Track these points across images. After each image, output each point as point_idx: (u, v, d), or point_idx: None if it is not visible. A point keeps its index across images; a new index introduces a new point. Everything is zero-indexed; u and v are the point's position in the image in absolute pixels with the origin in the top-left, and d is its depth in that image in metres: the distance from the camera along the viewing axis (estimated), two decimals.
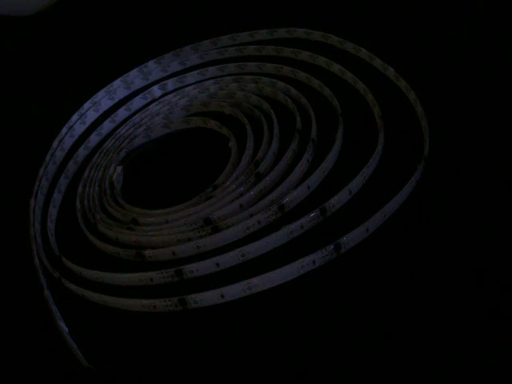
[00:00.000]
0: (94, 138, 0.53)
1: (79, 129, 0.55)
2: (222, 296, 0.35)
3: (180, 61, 0.58)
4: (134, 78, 0.58)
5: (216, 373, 0.33)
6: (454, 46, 0.49)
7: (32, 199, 0.47)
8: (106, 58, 0.64)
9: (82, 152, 0.52)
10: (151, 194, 0.46)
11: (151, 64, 0.58)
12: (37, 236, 0.44)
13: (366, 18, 0.56)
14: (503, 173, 0.38)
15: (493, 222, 0.35)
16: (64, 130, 0.54)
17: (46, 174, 0.50)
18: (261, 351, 0.33)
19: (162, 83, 0.56)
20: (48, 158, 0.51)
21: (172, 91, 0.55)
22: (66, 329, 0.37)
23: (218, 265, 0.37)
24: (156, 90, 0.56)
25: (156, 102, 0.54)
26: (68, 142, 0.54)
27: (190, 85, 0.55)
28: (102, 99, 0.57)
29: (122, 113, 0.55)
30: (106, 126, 0.54)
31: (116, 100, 0.57)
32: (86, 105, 0.56)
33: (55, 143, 0.53)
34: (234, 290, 0.34)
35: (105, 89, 0.57)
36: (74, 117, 0.55)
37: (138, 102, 0.55)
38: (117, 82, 0.58)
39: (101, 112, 0.56)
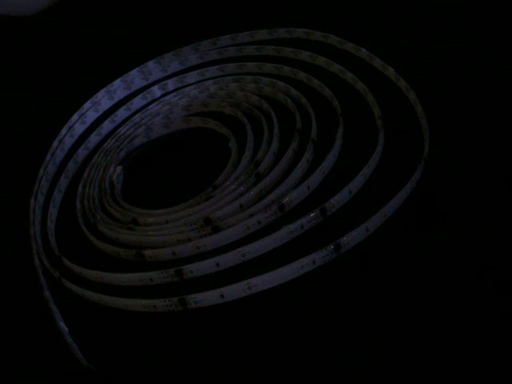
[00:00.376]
0: (93, 138, 0.53)
1: (79, 129, 0.55)
2: (222, 296, 0.35)
3: (180, 61, 0.58)
4: (134, 77, 0.58)
5: (216, 373, 0.33)
6: (454, 45, 0.49)
7: (32, 199, 0.47)
8: (106, 58, 0.64)
9: (81, 152, 0.52)
10: (151, 194, 0.46)
11: (151, 64, 0.58)
12: (37, 236, 0.44)
13: (366, 18, 0.56)
14: (503, 173, 0.38)
15: (493, 221, 0.35)
16: (64, 130, 0.54)
17: (45, 174, 0.50)
18: (261, 351, 0.33)
19: (162, 83, 0.56)
20: (48, 157, 0.51)
21: (172, 91, 0.55)
22: (66, 329, 0.37)
23: (218, 265, 0.37)
24: (156, 90, 0.56)
25: (156, 102, 0.54)
26: (68, 142, 0.54)
27: (190, 85, 0.55)
28: (102, 99, 0.57)
29: (121, 113, 0.55)
30: (106, 126, 0.54)
31: (116, 100, 0.57)
32: (86, 105, 0.56)
33: (55, 143, 0.53)
34: (234, 290, 0.34)
35: (105, 89, 0.57)
36: (74, 117, 0.55)
37: (137, 102, 0.55)
38: (117, 82, 0.58)
39: (101, 112, 0.56)
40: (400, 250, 0.35)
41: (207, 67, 0.56)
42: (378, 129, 0.43)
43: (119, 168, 0.48)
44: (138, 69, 0.58)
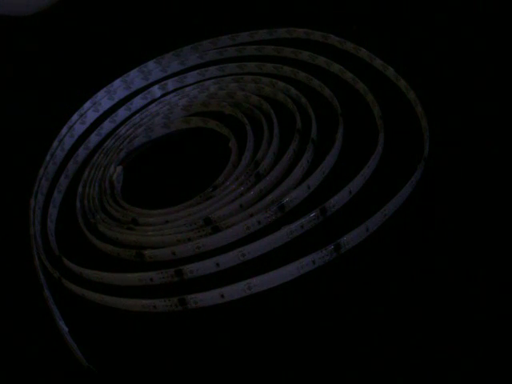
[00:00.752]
0: (93, 138, 0.53)
1: (79, 129, 0.55)
2: (222, 296, 0.35)
3: (180, 61, 0.58)
4: (134, 77, 0.58)
5: (216, 373, 0.33)
6: (454, 45, 0.49)
7: (32, 199, 0.47)
8: (106, 58, 0.64)
9: (81, 152, 0.52)
10: (151, 194, 0.46)
11: (151, 64, 0.58)
12: (37, 236, 0.44)
13: (366, 18, 0.56)
14: (503, 173, 0.38)
15: (493, 221, 0.35)
16: (64, 129, 0.54)
17: (45, 174, 0.50)
18: (261, 351, 0.33)
19: (162, 83, 0.56)
20: (48, 157, 0.51)
21: (172, 91, 0.55)
22: (66, 329, 0.37)
23: (218, 265, 0.37)
24: (156, 90, 0.56)
25: (156, 102, 0.54)
26: (68, 142, 0.54)
27: (190, 85, 0.55)
28: (102, 99, 0.57)
29: (121, 113, 0.55)
30: (106, 126, 0.54)
31: (116, 100, 0.57)
32: (86, 105, 0.56)
33: (55, 143, 0.53)
34: (234, 290, 0.34)
35: (105, 89, 0.57)
36: (74, 117, 0.55)
37: (137, 102, 0.55)
38: (117, 82, 0.58)
39: (101, 112, 0.56)
40: (400, 250, 0.35)
41: (207, 67, 0.56)
42: (378, 129, 0.43)
43: (119, 168, 0.48)
44: (137, 69, 0.58)
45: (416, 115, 0.44)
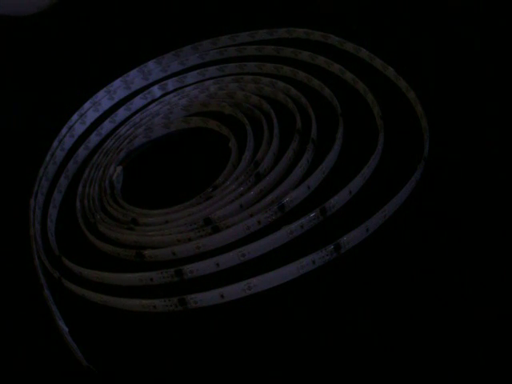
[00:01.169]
0: (93, 138, 0.53)
1: (79, 129, 0.55)
2: (222, 296, 0.35)
3: (180, 61, 0.58)
4: (134, 77, 0.58)
5: (216, 373, 0.33)
6: (454, 45, 0.49)
7: (32, 199, 0.47)
8: (106, 58, 0.64)
9: (81, 152, 0.52)
10: (151, 194, 0.46)
11: (151, 64, 0.58)
12: (37, 236, 0.44)
13: (366, 18, 0.56)
14: (503, 173, 0.38)
15: (493, 221, 0.35)
16: (64, 130, 0.54)
17: (45, 174, 0.50)
18: (261, 351, 0.33)
19: (162, 83, 0.56)
20: (48, 158, 0.51)
21: (172, 91, 0.55)
22: (66, 329, 0.37)
23: (218, 265, 0.37)
24: (156, 90, 0.56)
25: (156, 102, 0.54)
26: (68, 142, 0.54)
27: (190, 85, 0.55)
28: (102, 99, 0.57)
29: (121, 113, 0.55)
30: (106, 126, 0.54)
31: (116, 100, 0.57)
32: (86, 105, 0.56)
33: (55, 143, 0.53)
34: (234, 290, 0.34)
35: (105, 89, 0.57)
36: (74, 117, 0.55)
37: (137, 102, 0.55)
38: (117, 82, 0.58)
39: (101, 112, 0.56)
40: (400, 250, 0.35)
41: (207, 67, 0.56)
42: (378, 129, 0.43)
43: (119, 168, 0.48)
44: (137, 69, 0.58)
45: (416, 115, 0.44)
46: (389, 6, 0.56)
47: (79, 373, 0.34)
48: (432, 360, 0.30)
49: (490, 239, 0.34)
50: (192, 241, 0.39)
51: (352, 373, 0.31)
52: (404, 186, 0.37)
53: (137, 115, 0.54)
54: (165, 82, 0.56)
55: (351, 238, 0.35)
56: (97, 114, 0.56)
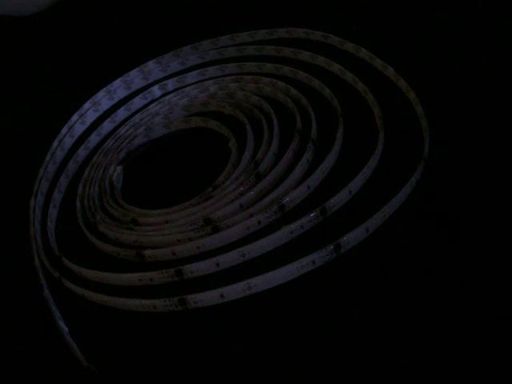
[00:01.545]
0: (93, 138, 0.53)
1: (79, 129, 0.55)
2: (222, 296, 0.35)
3: (180, 61, 0.58)
4: (134, 77, 0.58)
5: (216, 373, 0.33)
6: (454, 45, 0.49)
7: (32, 199, 0.47)
8: (106, 58, 0.64)
9: (81, 152, 0.52)
10: (151, 194, 0.46)
11: (151, 64, 0.58)
12: (37, 236, 0.44)
13: (366, 18, 0.56)
14: (503, 172, 0.38)
15: (493, 221, 0.35)
16: (64, 129, 0.54)
17: (45, 174, 0.50)
18: (261, 351, 0.33)
19: (162, 83, 0.56)
20: (48, 157, 0.51)
21: (172, 91, 0.55)
22: (66, 329, 0.37)
23: (218, 265, 0.37)
24: (156, 90, 0.56)
25: (156, 102, 0.54)
26: (68, 142, 0.54)
27: (190, 85, 0.55)
28: (102, 99, 0.57)
29: (121, 113, 0.55)
30: (106, 126, 0.54)
31: (116, 100, 0.57)
32: (86, 105, 0.56)
33: (55, 143, 0.53)
34: (234, 290, 0.34)
35: (105, 89, 0.57)
36: (74, 117, 0.55)
37: (137, 101, 0.55)
38: (117, 82, 0.58)
39: (101, 112, 0.56)
40: (400, 250, 0.35)
41: (207, 67, 0.56)
42: (378, 129, 0.43)
43: (119, 168, 0.48)
44: (137, 69, 0.58)
45: (416, 115, 0.44)
46: (389, 6, 0.56)
47: (79, 373, 0.34)
48: (432, 360, 0.30)
49: (489, 239, 0.34)
50: (192, 241, 0.39)
51: (352, 373, 0.31)
52: (404, 185, 0.37)
53: (137, 115, 0.54)
54: (165, 81, 0.56)
55: (351, 238, 0.35)
56: (97, 114, 0.56)
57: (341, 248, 0.35)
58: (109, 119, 0.54)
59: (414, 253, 0.35)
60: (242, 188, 0.42)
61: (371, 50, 0.50)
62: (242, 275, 0.35)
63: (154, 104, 0.54)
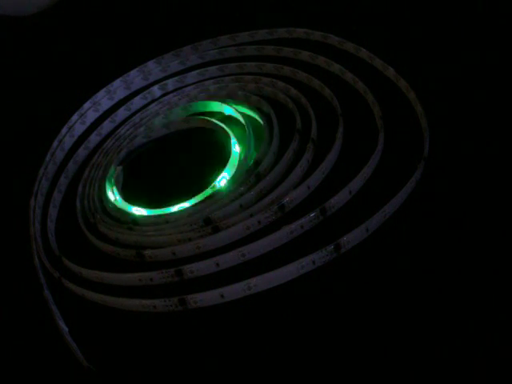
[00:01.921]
0: (93, 138, 0.53)
1: (79, 129, 0.55)
2: (222, 296, 0.35)
3: (180, 61, 0.58)
4: (134, 77, 0.58)
5: (216, 373, 0.33)
6: (454, 45, 0.49)
7: (32, 199, 0.47)
8: (106, 58, 0.64)
9: (81, 152, 0.52)
10: (151, 194, 0.46)
11: (151, 64, 0.58)
12: (37, 236, 0.44)
13: (366, 18, 0.56)
14: (503, 172, 0.38)
15: (493, 221, 0.35)
16: (64, 129, 0.54)
17: (45, 174, 0.50)
18: (261, 351, 0.33)
19: (162, 83, 0.56)
20: (48, 157, 0.51)
21: (172, 91, 0.55)
22: (66, 329, 0.37)
23: (218, 265, 0.37)
24: (156, 90, 0.56)
25: (156, 102, 0.54)
26: (68, 142, 0.54)
27: (190, 85, 0.55)
28: (102, 99, 0.57)
29: (121, 113, 0.55)
30: (106, 125, 0.54)
31: (116, 100, 0.57)
32: (86, 105, 0.56)
33: (55, 143, 0.53)
34: (234, 290, 0.35)
35: (105, 89, 0.57)
36: (74, 117, 0.55)
37: (137, 101, 0.55)
38: (117, 82, 0.58)
39: (101, 112, 0.56)
40: (400, 250, 0.35)
41: (207, 67, 0.56)
42: (378, 129, 0.43)
43: (119, 168, 0.48)
44: (137, 69, 0.58)
45: (416, 115, 0.44)
46: (389, 6, 0.56)
47: (79, 373, 0.34)
48: (432, 359, 0.30)
49: (489, 239, 0.34)
50: (192, 241, 0.39)
51: (352, 372, 0.31)
52: (404, 186, 0.37)
53: (137, 115, 0.54)
54: (165, 82, 0.56)
55: (351, 238, 0.35)
56: (97, 114, 0.56)
57: (341, 248, 0.35)
58: (109, 119, 0.54)
59: (414, 253, 0.35)
60: (242, 188, 0.42)
61: (371, 50, 0.50)
62: (242, 275, 0.35)
63: (153, 104, 0.54)
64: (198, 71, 0.56)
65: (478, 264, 0.33)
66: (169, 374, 0.33)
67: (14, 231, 0.46)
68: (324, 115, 0.46)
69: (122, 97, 0.57)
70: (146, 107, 0.55)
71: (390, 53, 0.50)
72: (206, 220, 0.40)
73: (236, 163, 0.45)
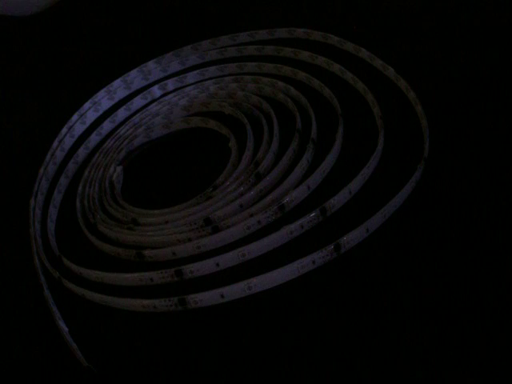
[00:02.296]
0: (93, 138, 0.53)
1: (79, 129, 0.55)
2: (222, 296, 0.35)
3: (180, 61, 0.58)
4: (134, 77, 0.58)
5: (216, 373, 0.33)
6: (454, 45, 0.49)
7: (32, 199, 0.47)
8: (106, 58, 0.64)
9: (82, 152, 0.52)
10: (151, 194, 0.46)
11: (151, 64, 0.58)
12: (37, 236, 0.44)
13: (366, 18, 0.56)
14: (503, 172, 0.38)
15: (493, 221, 0.35)
16: (64, 129, 0.54)
17: (45, 174, 0.50)
18: (261, 351, 0.33)
19: (162, 83, 0.56)
20: (48, 157, 0.51)
21: (172, 91, 0.55)
22: (66, 329, 0.37)
23: (218, 265, 0.37)
24: (156, 90, 0.56)
25: (156, 102, 0.54)
26: (68, 142, 0.54)
27: (190, 85, 0.55)
28: (102, 99, 0.57)
29: (121, 113, 0.55)
30: (106, 126, 0.54)
31: (116, 100, 0.57)
32: (86, 105, 0.56)
33: (55, 143, 0.53)
34: (234, 290, 0.34)
35: (105, 89, 0.57)
36: (74, 117, 0.55)
37: (137, 101, 0.55)
38: (117, 82, 0.58)
39: (101, 112, 0.56)
40: (400, 250, 0.35)
41: (207, 67, 0.56)
42: (378, 129, 0.43)
43: (119, 168, 0.48)
44: (137, 69, 0.58)
45: (416, 115, 0.44)
46: (389, 6, 0.56)
47: (79, 373, 0.34)
48: (432, 359, 0.30)
49: (489, 239, 0.34)
50: (192, 241, 0.39)
51: (352, 373, 0.31)
52: (404, 186, 0.37)
53: (137, 115, 0.54)
54: (165, 81, 0.56)
55: (351, 238, 0.35)
56: (97, 114, 0.56)
57: (341, 248, 0.35)
58: (109, 119, 0.54)
59: (414, 253, 0.35)
60: (241, 188, 0.42)
61: (371, 50, 0.51)
62: (242, 275, 0.35)
63: (153, 104, 0.54)
64: (197, 71, 0.56)
65: (478, 264, 0.33)
66: (169, 373, 0.33)
67: (14, 231, 0.46)
68: (324, 115, 0.46)
69: (122, 97, 0.57)
70: (146, 107, 0.55)
71: (389, 53, 0.50)
72: (206, 220, 0.40)
73: (236, 163, 0.45)
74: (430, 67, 0.48)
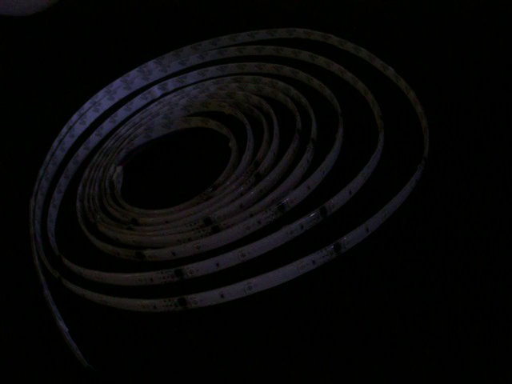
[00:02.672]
0: (93, 138, 0.53)
1: (79, 129, 0.55)
2: (222, 296, 0.35)
3: (180, 61, 0.58)
4: (134, 78, 0.58)
5: (216, 373, 0.33)
6: (454, 45, 0.49)
7: (32, 199, 0.47)
8: (106, 58, 0.64)
9: (82, 152, 0.52)
10: (151, 194, 0.46)
11: (151, 64, 0.58)
12: (37, 236, 0.44)
13: (366, 18, 0.56)
14: (503, 172, 0.38)
15: (492, 221, 0.35)
16: (64, 129, 0.54)
17: (45, 174, 0.50)
18: (260, 351, 0.33)
19: (161, 83, 0.56)
20: (48, 158, 0.51)
21: (172, 91, 0.56)
22: (66, 329, 0.37)
23: (218, 265, 0.37)
24: (156, 90, 0.56)
25: (156, 102, 0.54)
26: (68, 142, 0.54)
27: (190, 85, 0.55)
28: (102, 99, 0.57)
29: (121, 113, 0.55)
30: (106, 126, 0.54)
31: (116, 100, 0.57)
32: (86, 105, 0.56)
33: (55, 143, 0.53)
34: (234, 290, 0.34)
35: (105, 89, 0.57)
36: (74, 117, 0.55)
37: (137, 101, 0.55)
38: (117, 82, 0.58)
39: (101, 112, 0.57)
40: (400, 250, 0.35)
41: (207, 67, 0.56)
42: (378, 129, 0.43)
43: (119, 168, 0.48)
44: (137, 69, 0.58)
45: (416, 115, 0.44)
46: (389, 6, 0.56)
47: (79, 373, 0.34)
48: (432, 359, 0.30)
49: (489, 239, 0.34)
50: (192, 241, 0.39)
51: (352, 372, 0.31)
52: (404, 186, 0.37)
53: (137, 115, 0.54)
54: (165, 81, 0.56)
55: (351, 238, 0.35)
56: (97, 114, 0.56)
57: (341, 248, 0.35)
58: (109, 119, 0.54)
59: (414, 253, 0.35)
60: (242, 188, 0.42)
61: (371, 50, 0.51)
62: (242, 275, 0.35)
63: (153, 104, 0.54)
64: (197, 71, 0.56)
65: (479, 264, 0.33)
66: (169, 373, 0.33)
67: (14, 231, 0.46)
68: (324, 115, 0.46)
69: (121, 97, 0.57)
70: (146, 107, 0.55)
71: (389, 53, 0.50)
72: (206, 220, 0.40)
73: (236, 163, 0.45)
74: (430, 67, 0.48)
